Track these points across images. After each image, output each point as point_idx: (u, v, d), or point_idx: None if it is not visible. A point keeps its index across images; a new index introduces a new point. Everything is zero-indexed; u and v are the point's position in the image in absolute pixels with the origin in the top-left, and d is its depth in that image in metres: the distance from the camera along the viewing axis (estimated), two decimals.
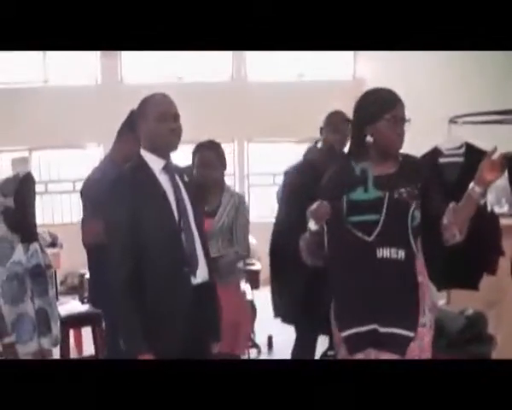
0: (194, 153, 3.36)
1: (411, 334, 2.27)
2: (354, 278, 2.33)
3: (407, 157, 2.44)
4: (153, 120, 2.40)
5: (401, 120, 2.33)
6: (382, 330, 2.28)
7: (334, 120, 3.45)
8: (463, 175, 3.33)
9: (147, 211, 2.34)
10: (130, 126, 3.12)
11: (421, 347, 2.30)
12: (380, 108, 2.34)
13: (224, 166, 3.41)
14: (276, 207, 3.78)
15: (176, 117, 2.45)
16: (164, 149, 2.45)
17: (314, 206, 2.32)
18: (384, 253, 2.27)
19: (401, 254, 2.26)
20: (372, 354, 2.32)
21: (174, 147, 2.48)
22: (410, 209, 2.26)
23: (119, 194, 2.37)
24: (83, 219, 3.45)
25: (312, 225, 2.35)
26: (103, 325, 4.24)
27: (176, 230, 2.39)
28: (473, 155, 3.43)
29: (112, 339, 3.10)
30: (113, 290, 2.32)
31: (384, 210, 2.28)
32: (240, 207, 3.35)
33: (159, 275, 2.34)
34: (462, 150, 3.38)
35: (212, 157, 3.32)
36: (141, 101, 2.49)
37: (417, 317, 2.29)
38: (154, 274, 2.33)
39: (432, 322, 2.37)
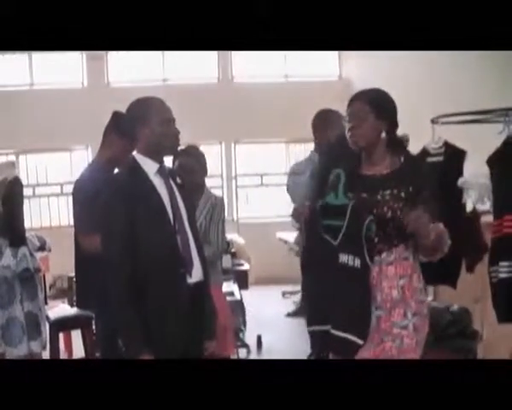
0: (175, 158, 3.39)
1: (360, 341, 2.31)
2: (320, 279, 2.43)
3: (408, 159, 2.48)
4: (158, 125, 2.46)
5: (352, 119, 2.40)
6: (335, 332, 2.35)
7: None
8: (443, 173, 3.41)
9: (143, 214, 2.38)
10: (117, 130, 3.13)
11: (399, 348, 2.34)
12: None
13: (204, 171, 3.45)
14: (263, 206, 3.81)
15: (174, 122, 2.55)
16: (166, 152, 2.55)
17: (295, 206, 2.50)
18: (344, 258, 2.35)
19: (357, 262, 2.33)
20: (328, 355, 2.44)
21: (176, 151, 2.67)
22: (366, 220, 2.31)
23: (115, 197, 2.41)
24: (79, 229, 3.36)
25: (294, 224, 2.53)
26: (93, 327, 4.25)
27: (171, 231, 2.43)
28: (451, 152, 3.52)
29: (107, 340, 3.11)
30: (112, 292, 2.35)
31: (346, 218, 2.35)
32: (216, 207, 3.39)
33: (155, 275, 2.37)
34: (443, 149, 3.46)
35: (192, 163, 3.36)
36: (136, 104, 2.52)
37: (367, 325, 2.33)
38: (150, 275, 2.36)
39: (418, 325, 2.38)
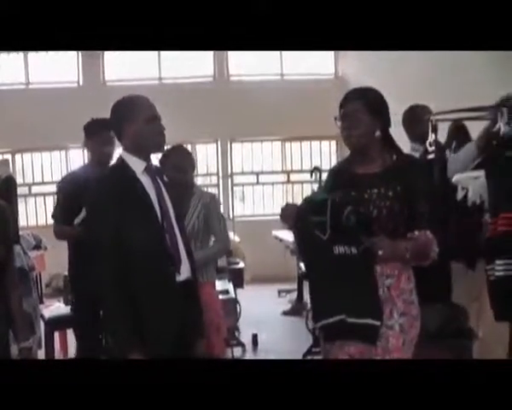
0: (163, 157, 3.37)
1: (377, 322, 2.31)
2: (319, 274, 2.42)
3: (400, 158, 2.47)
4: (143, 123, 2.45)
5: (347, 119, 2.40)
6: (350, 320, 2.32)
7: None
8: (435, 171, 3.45)
9: (131, 212, 2.38)
10: (86, 133, 3.54)
11: (384, 348, 2.34)
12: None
13: (193, 169, 3.44)
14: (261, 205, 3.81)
15: (160, 119, 2.53)
16: (152, 150, 2.53)
17: (282, 207, 2.47)
18: (339, 250, 2.34)
19: (353, 250, 2.33)
20: (346, 344, 2.36)
21: (162, 148, 2.64)
22: (345, 212, 2.31)
23: (103, 196, 2.42)
24: (58, 219, 3.61)
25: (283, 225, 2.52)
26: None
27: (159, 229, 2.44)
28: (439, 150, 3.55)
29: (88, 337, 3.20)
30: (101, 291, 2.36)
31: (328, 212, 2.34)
32: (211, 204, 3.37)
33: (144, 274, 2.37)
34: (434, 147, 3.51)
35: (184, 161, 3.35)
36: (121, 102, 2.52)
37: (378, 306, 2.33)
38: (139, 273, 2.37)
39: (406, 325, 2.37)
